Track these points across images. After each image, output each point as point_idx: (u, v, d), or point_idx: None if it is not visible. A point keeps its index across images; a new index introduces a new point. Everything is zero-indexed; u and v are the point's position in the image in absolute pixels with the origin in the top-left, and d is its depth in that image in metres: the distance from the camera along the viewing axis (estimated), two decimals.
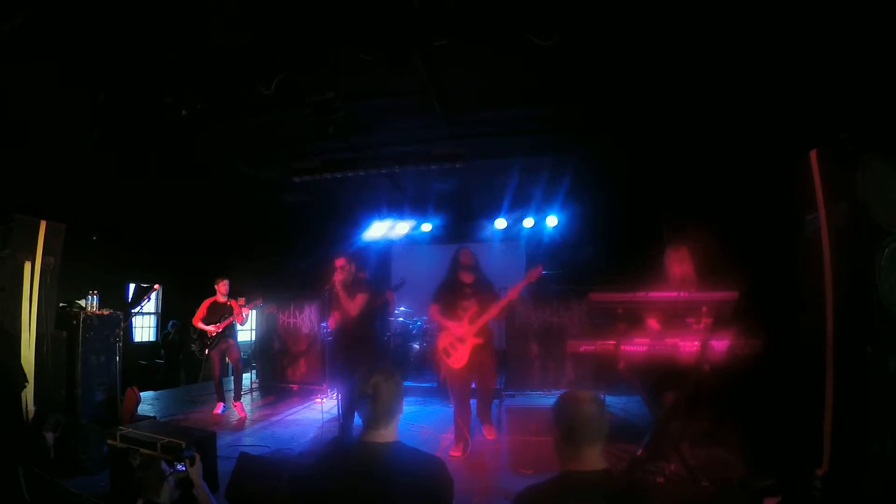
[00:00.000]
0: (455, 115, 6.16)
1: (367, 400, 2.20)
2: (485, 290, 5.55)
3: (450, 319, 5.44)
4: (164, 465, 3.10)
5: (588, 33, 4.25)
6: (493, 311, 5.35)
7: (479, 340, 5.36)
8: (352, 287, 5.75)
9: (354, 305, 5.68)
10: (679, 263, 4.70)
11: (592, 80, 5.32)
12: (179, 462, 2.98)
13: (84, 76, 4.88)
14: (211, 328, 7.66)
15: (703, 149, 5.88)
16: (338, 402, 6.07)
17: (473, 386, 5.72)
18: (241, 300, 7.89)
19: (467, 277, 5.54)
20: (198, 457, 3.10)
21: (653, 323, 4.61)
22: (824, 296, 3.38)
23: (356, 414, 2.61)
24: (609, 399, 7.37)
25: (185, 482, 2.99)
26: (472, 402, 5.70)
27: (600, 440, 2.07)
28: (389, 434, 2.24)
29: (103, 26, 4.22)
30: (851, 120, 3.53)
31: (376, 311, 7.53)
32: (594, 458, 2.05)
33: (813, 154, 3.48)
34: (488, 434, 5.88)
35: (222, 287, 7.80)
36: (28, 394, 4.82)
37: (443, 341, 5.52)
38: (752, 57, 4.42)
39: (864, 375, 3.12)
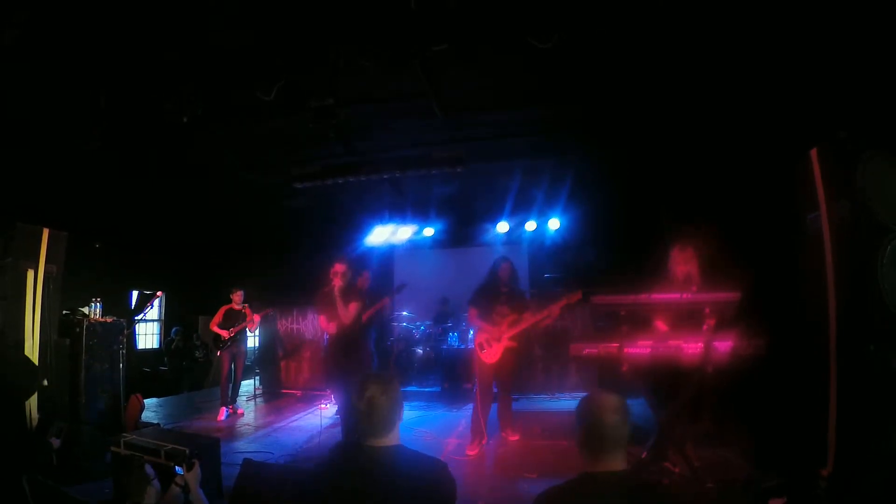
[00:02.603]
0: (455, 118, 6.17)
1: (363, 413, 2.16)
2: (518, 297, 5.90)
3: (489, 321, 5.75)
4: (148, 467, 3.09)
5: (587, 35, 4.25)
6: (527, 322, 5.63)
7: (513, 344, 5.71)
8: (348, 294, 5.74)
9: (349, 314, 5.70)
10: (684, 264, 4.69)
11: (593, 81, 5.34)
12: (178, 466, 2.97)
13: (85, 80, 4.90)
14: (225, 332, 7.97)
15: (703, 150, 5.88)
16: (338, 407, 6.10)
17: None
18: (246, 307, 8.07)
19: (503, 287, 5.84)
20: (196, 463, 3.09)
21: (660, 324, 4.61)
22: (826, 295, 3.37)
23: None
24: None
25: (182, 487, 2.99)
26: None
27: (623, 445, 2.08)
28: (391, 438, 2.21)
29: (103, 27, 4.23)
30: (851, 118, 3.53)
31: (373, 319, 7.51)
32: (616, 461, 2.06)
33: (813, 153, 3.48)
34: (511, 437, 6.08)
35: (237, 297, 8.15)
36: (32, 401, 4.83)
37: (479, 337, 5.84)
38: (752, 57, 4.43)
39: (868, 374, 3.11)
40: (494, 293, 5.84)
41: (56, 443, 4.71)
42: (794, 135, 4.10)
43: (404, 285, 8.65)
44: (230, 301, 8.13)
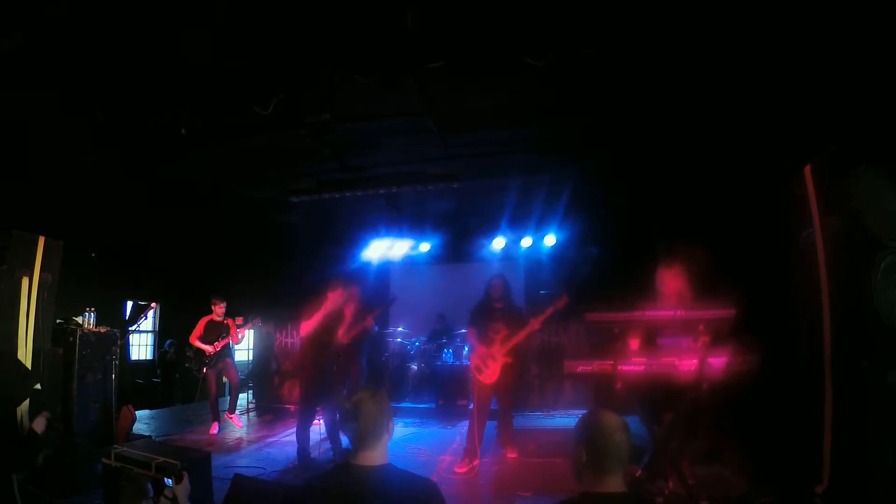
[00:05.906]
0: (451, 134, 6.19)
1: (351, 419, 2.16)
2: (513, 314, 5.97)
3: (483, 341, 5.84)
4: (146, 482, 3.04)
5: (581, 54, 4.28)
6: (521, 335, 5.69)
7: (510, 360, 5.76)
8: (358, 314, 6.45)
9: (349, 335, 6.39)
10: (672, 280, 4.67)
11: (587, 99, 5.38)
12: (167, 477, 2.92)
13: (83, 90, 4.91)
14: (208, 347, 7.69)
15: (698, 166, 5.90)
16: (323, 424, 6.14)
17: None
18: (239, 319, 7.93)
19: (497, 303, 5.96)
20: (186, 475, 3.05)
21: (633, 343, 4.58)
22: (821, 311, 3.39)
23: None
24: None
25: (171, 500, 2.94)
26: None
27: (625, 466, 2.05)
28: (379, 456, 2.19)
29: (101, 42, 4.25)
30: (843, 133, 3.54)
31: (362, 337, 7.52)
32: (616, 482, 2.02)
33: (807, 169, 3.51)
34: (510, 454, 6.11)
35: (218, 309, 7.86)
36: (23, 408, 4.78)
37: (474, 360, 5.90)
38: (744, 72, 4.45)
39: (862, 390, 3.11)
40: (489, 310, 5.95)
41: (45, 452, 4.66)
42: (787, 151, 4.12)
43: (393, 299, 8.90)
44: (211, 312, 7.87)
